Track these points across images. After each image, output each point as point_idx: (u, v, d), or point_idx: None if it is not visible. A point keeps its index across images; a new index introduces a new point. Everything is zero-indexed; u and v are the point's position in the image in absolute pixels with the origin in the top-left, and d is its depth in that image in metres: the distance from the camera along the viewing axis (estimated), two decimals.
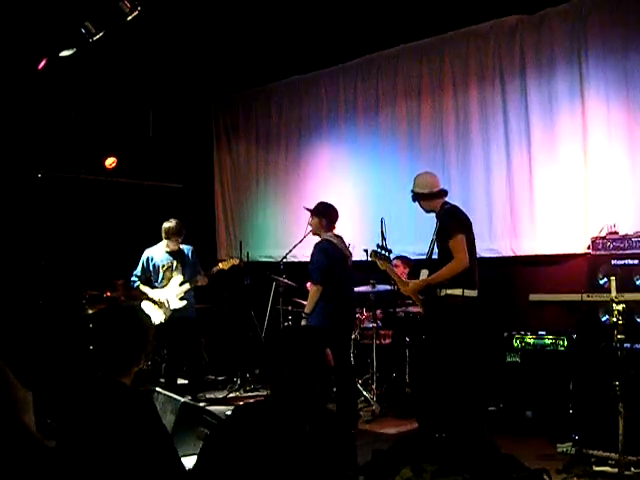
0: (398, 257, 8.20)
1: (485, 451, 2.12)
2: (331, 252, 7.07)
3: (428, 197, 6.40)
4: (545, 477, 2.07)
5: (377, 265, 6.62)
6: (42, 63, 8.18)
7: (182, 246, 8.37)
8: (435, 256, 6.41)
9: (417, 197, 6.46)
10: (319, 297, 6.98)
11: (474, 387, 6.20)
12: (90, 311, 8.54)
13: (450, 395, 6.05)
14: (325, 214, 7.24)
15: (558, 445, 5.88)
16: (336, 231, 7.32)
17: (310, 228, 7.47)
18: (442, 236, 6.20)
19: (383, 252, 6.56)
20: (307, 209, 7.36)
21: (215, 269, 8.37)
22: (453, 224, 6.18)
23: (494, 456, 2.13)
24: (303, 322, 7.11)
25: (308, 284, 8.38)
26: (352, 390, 7.22)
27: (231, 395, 8.53)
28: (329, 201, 7.36)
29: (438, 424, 6.05)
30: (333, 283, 7.01)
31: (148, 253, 8.34)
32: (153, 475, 2.88)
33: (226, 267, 8.42)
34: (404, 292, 6.50)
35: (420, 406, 6.65)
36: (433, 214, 6.46)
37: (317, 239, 7.30)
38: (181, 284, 8.20)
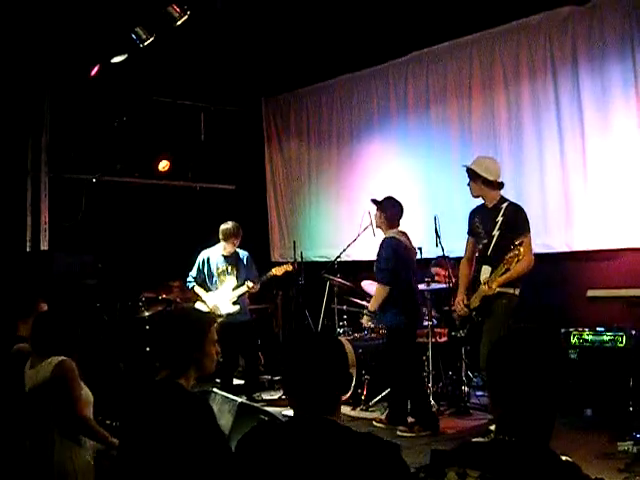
0: (437, 262, 8.16)
1: (537, 457, 2.06)
2: (399, 252, 6.90)
3: (492, 185, 6.27)
4: None
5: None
6: (95, 70, 8.32)
7: (239, 250, 8.35)
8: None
9: (482, 182, 6.26)
10: (386, 298, 6.83)
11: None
12: (146, 313, 8.63)
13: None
14: (387, 209, 7.06)
15: (619, 443, 5.76)
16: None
17: (367, 224, 7.50)
18: (509, 231, 6.07)
19: None
20: (373, 201, 7.20)
21: (269, 275, 8.34)
22: (526, 223, 6.13)
23: (549, 463, 2.07)
24: (365, 318, 7.16)
25: (363, 283, 8.36)
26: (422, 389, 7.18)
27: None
28: (381, 198, 7.27)
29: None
30: (400, 284, 6.85)
31: (205, 254, 8.35)
32: (209, 477, 2.91)
33: (279, 273, 8.37)
34: (487, 292, 6.07)
35: None
36: (479, 200, 6.40)
37: (380, 236, 7.18)
38: (234, 288, 8.18)
